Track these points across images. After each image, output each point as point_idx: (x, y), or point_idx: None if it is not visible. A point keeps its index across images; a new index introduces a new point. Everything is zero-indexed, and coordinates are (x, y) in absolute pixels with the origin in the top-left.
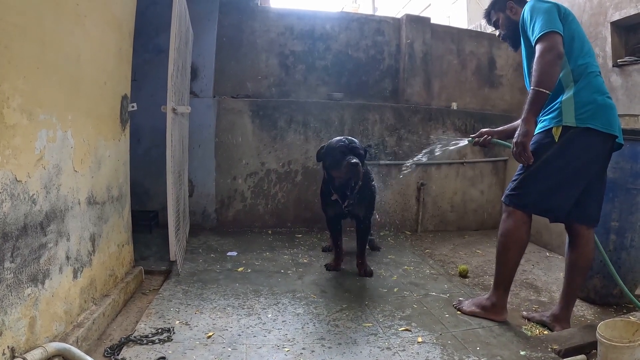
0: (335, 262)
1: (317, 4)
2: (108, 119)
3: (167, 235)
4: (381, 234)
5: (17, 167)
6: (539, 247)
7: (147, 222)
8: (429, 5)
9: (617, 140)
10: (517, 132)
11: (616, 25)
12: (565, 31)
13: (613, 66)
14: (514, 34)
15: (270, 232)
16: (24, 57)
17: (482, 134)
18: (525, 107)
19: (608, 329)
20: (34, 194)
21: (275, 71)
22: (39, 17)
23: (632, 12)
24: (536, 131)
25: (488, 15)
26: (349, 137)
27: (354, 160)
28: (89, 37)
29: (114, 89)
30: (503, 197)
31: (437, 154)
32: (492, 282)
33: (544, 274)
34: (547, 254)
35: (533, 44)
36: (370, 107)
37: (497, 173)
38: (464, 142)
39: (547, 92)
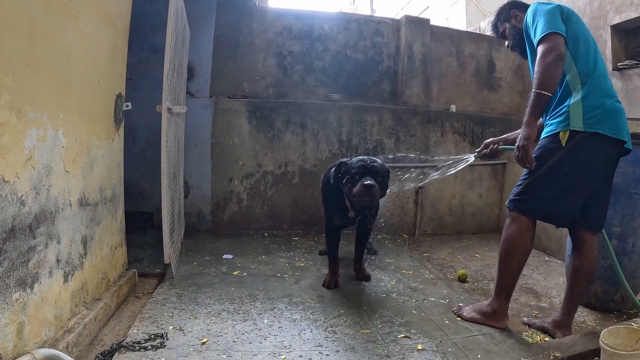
0: (334, 277)
1: (315, 5)
2: (101, 118)
3: (161, 237)
4: (379, 237)
5: (4, 166)
6: (538, 252)
7: (141, 223)
8: (428, 7)
9: (625, 145)
10: (519, 135)
11: (616, 29)
12: (568, 32)
13: (613, 69)
14: (521, 42)
15: (266, 234)
16: (12, 53)
17: (487, 145)
18: (527, 110)
19: (611, 336)
20: (22, 195)
21: (273, 71)
22: (29, 12)
23: (633, 15)
24: (543, 135)
25: (495, 28)
26: (371, 157)
27: (368, 182)
28: (82, 34)
29: (108, 87)
30: (507, 201)
31: (447, 174)
32: (491, 287)
33: (543, 278)
34: (547, 258)
35: (535, 46)
36: (369, 109)
37: (495, 176)
38: (471, 158)
39: (549, 94)
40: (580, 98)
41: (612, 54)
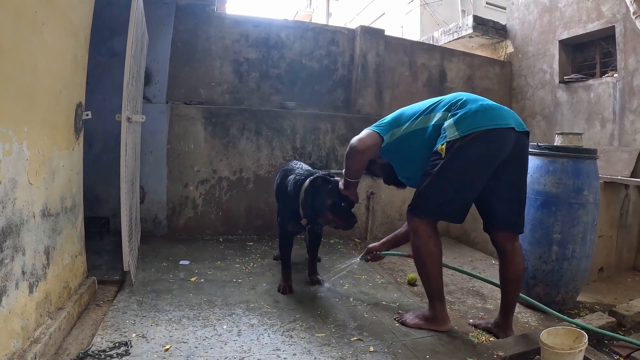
0: (287, 283)
1: (273, 9)
2: (63, 128)
3: (118, 242)
4: (331, 241)
5: None
6: (485, 255)
7: (98, 229)
8: (383, 14)
9: (517, 129)
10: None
11: (564, 44)
12: (404, 122)
13: (560, 82)
14: (391, 174)
15: (221, 239)
16: None
17: (369, 251)
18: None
19: (550, 336)
20: None
21: (229, 78)
22: None
23: (580, 31)
24: None
25: (368, 171)
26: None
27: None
28: (46, 46)
29: (69, 97)
30: (407, 211)
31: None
32: None
33: None
34: (493, 261)
35: None
36: (323, 117)
37: None
38: (357, 260)
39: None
40: (452, 121)
41: (559, 67)
